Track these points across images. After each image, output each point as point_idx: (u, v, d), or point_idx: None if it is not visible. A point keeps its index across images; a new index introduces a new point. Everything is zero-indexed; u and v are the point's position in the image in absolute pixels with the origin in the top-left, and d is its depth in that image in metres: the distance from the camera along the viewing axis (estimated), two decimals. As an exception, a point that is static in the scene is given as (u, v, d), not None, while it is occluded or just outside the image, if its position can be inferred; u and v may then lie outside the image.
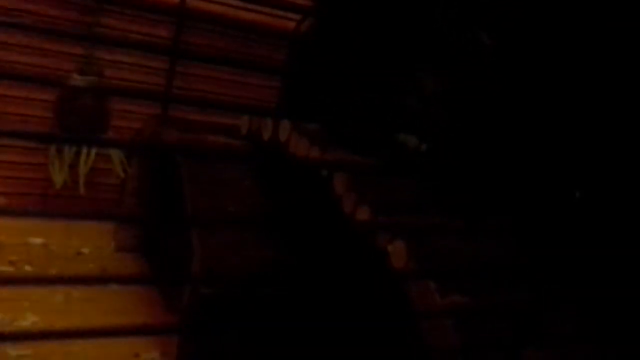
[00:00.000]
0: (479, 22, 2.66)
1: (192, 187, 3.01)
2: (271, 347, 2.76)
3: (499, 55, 2.58)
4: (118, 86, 3.71)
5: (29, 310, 3.00)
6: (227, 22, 3.93)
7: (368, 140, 2.70)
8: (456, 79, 2.72)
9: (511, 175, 2.42)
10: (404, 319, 2.07)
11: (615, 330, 2.09)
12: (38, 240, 3.59)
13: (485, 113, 2.61)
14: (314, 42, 3.66)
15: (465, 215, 2.22)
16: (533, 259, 2.09)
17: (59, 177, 3.62)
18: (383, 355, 2.45)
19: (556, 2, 2.47)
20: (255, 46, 4.08)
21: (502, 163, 2.47)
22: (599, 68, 2.35)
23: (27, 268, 3.34)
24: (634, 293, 1.93)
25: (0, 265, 3.29)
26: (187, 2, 3.78)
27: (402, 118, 2.83)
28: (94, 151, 3.61)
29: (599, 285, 2.05)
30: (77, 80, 3.55)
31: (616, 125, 2.35)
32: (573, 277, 2.06)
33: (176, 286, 3.06)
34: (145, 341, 2.94)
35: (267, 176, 3.16)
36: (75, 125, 3.50)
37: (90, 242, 3.68)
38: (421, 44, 2.88)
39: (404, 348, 2.36)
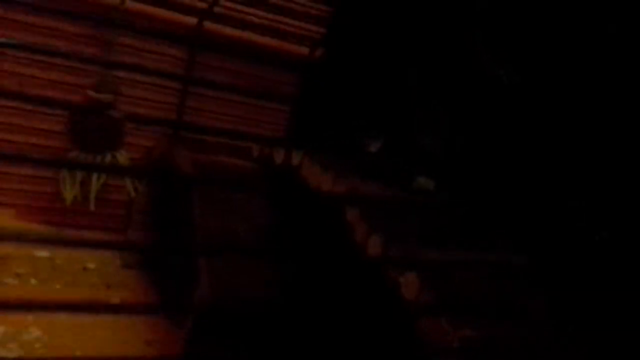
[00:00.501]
0: (505, 60, 2.68)
1: (202, 209, 3.01)
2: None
3: (523, 92, 2.59)
4: (132, 104, 3.74)
5: (33, 325, 2.99)
6: (241, 48, 3.97)
7: (383, 171, 2.72)
8: (476, 114, 2.75)
9: (529, 213, 2.43)
10: (415, 354, 2.07)
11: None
12: (44, 254, 3.58)
13: (505, 148, 2.63)
14: (327, 70, 3.70)
15: (480, 249, 2.23)
16: (547, 299, 2.09)
17: (69, 194, 3.63)
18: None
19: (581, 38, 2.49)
20: (268, 71, 4.12)
21: (521, 200, 2.48)
22: (625, 105, 2.36)
23: (33, 281, 3.33)
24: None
25: (6, 278, 3.28)
26: (202, 26, 3.84)
27: (418, 154, 2.86)
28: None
29: (609, 328, 2.05)
30: (93, 96, 3.58)
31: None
32: (585, 319, 2.06)
33: (181, 307, 3.04)
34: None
35: (278, 199, 3.17)
36: (89, 141, 3.52)
37: (96, 258, 3.67)
38: (439, 78, 2.92)
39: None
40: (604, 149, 2.45)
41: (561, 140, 2.56)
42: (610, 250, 2.25)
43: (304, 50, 4.04)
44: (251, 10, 3.86)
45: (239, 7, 3.85)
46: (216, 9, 3.80)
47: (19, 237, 3.48)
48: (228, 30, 3.89)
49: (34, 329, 2.96)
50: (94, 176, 3.61)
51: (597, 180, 2.43)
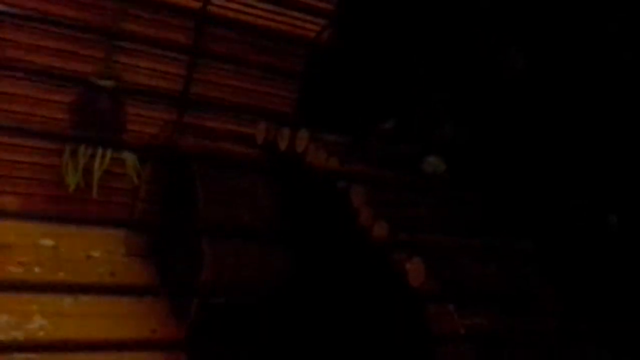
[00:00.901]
0: (514, 44, 2.63)
1: (206, 195, 2.98)
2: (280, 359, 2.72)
3: (532, 77, 2.54)
4: (135, 90, 3.70)
5: (37, 313, 2.98)
6: (247, 29, 3.93)
7: (391, 156, 2.67)
8: (484, 100, 2.70)
9: (538, 200, 2.38)
10: (420, 341, 2.02)
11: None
12: (48, 243, 3.57)
13: (514, 133, 2.58)
14: (336, 52, 3.65)
15: (487, 236, 2.18)
16: (556, 288, 2.04)
17: (72, 180, 3.61)
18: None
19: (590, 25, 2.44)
20: (275, 54, 4.07)
21: (530, 185, 2.43)
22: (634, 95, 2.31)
23: (37, 270, 3.31)
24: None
25: (10, 266, 3.27)
26: (208, 9, 3.79)
27: (426, 141, 2.81)
28: (108, 155, 3.60)
29: (619, 318, 2.00)
30: (95, 82, 3.55)
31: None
32: (594, 309, 2.01)
33: (185, 294, 3.03)
34: (153, 349, 2.93)
35: (282, 186, 3.13)
36: (91, 127, 3.50)
37: (100, 246, 3.65)
38: (447, 65, 2.87)
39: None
40: (604, 147, 2.40)
41: (562, 137, 2.51)
42: (615, 244, 2.20)
43: (313, 27, 3.98)
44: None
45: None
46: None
47: (23, 226, 3.47)
48: (236, 6, 3.83)
49: (37, 317, 2.95)
50: (97, 163, 3.59)
51: (598, 178, 2.38)
